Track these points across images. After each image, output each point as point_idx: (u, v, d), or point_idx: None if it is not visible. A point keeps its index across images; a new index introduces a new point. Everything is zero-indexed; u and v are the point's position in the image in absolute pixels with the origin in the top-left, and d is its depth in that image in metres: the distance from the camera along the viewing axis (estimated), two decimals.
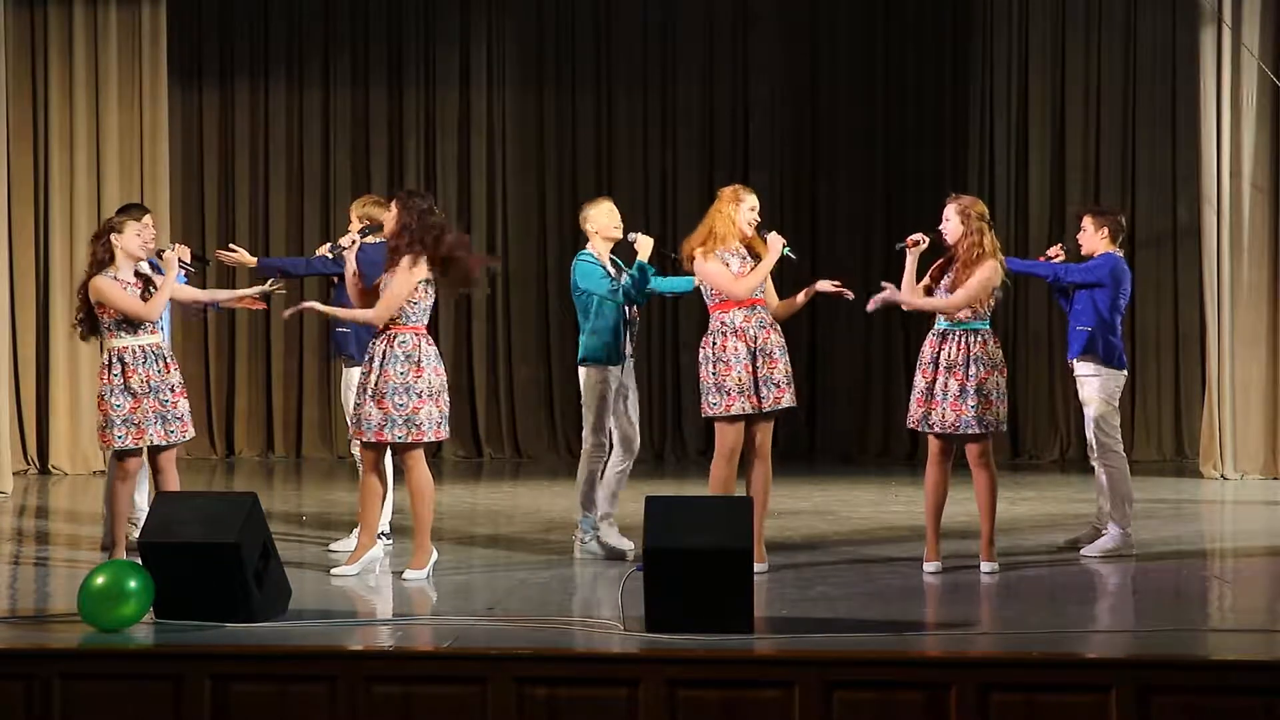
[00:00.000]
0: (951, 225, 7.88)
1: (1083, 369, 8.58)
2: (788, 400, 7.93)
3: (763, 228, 8.08)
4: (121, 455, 7.84)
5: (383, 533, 8.51)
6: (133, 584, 6.38)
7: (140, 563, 6.63)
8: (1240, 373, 12.25)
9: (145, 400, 7.77)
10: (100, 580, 6.39)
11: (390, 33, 14.38)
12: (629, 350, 8.52)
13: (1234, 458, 12.28)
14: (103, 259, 7.89)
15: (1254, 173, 12.24)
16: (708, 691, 5.77)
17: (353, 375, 8.53)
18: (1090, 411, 8.57)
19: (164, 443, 7.84)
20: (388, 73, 14.37)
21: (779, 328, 8.03)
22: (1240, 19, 12.19)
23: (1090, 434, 8.61)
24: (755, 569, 6.77)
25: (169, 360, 7.94)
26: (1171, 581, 7.87)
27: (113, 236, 7.89)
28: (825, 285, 8.07)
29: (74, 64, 12.72)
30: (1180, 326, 13.68)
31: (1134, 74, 13.82)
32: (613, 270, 8.50)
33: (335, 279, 8.82)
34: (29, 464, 12.73)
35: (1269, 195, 12.25)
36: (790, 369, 8.00)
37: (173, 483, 7.88)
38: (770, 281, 8.11)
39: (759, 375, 7.87)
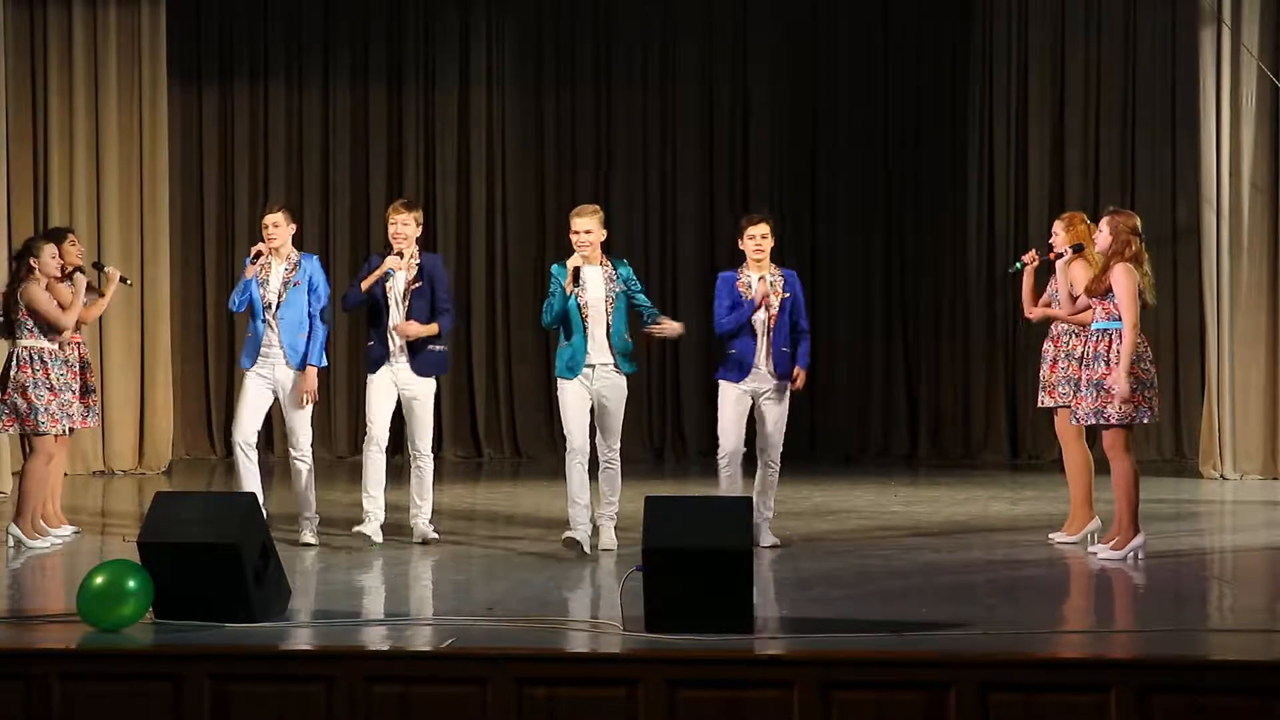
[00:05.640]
0: (1102, 237, 8.31)
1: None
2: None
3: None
4: None
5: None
6: (132, 584, 6.37)
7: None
8: (1240, 373, 12.25)
9: None
10: (99, 580, 6.38)
11: (390, 33, 14.39)
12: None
13: (1234, 458, 12.28)
14: None
15: (1254, 173, 12.24)
16: (707, 691, 5.76)
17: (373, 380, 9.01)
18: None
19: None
20: (387, 73, 14.38)
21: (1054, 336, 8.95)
22: (1240, 19, 12.19)
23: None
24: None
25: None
26: (1171, 581, 7.87)
27: None
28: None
29: (74, 64, 12.72)
30: (1180, 327, 13.68)
31: (1134, 74, 13.83)
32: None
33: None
34: None
35: (1269, 195, 12.25)
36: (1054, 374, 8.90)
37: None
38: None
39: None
